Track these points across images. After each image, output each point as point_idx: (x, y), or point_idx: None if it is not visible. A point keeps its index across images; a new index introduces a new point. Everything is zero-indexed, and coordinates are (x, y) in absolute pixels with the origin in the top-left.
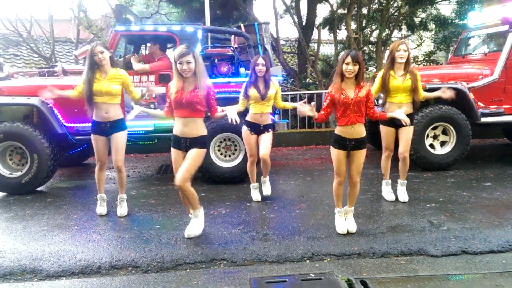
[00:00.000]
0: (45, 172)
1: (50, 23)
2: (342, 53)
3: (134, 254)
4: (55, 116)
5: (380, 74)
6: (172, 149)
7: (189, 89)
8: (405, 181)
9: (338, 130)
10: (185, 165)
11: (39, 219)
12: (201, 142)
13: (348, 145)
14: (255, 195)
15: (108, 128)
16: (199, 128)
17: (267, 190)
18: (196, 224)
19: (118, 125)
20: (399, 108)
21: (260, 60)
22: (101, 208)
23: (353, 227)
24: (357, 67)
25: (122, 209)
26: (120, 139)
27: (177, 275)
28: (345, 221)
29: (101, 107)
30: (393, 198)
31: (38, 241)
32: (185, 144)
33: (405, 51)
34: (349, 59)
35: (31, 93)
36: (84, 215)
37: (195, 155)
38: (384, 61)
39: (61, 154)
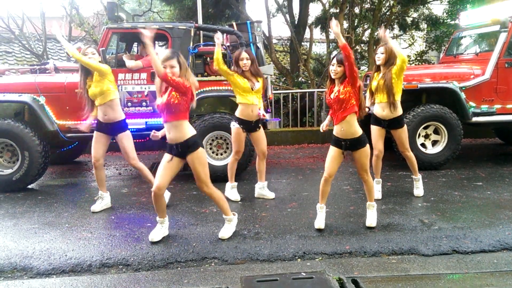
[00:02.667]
0: (36, 170)
1: (42, 20)
2: (334, 53)
3: (125, 252)
4: (46, 113)
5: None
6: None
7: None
8: (418, 176)
9: (334, 130)
10: (196, 172)
11: (30, 217)
12: (192, 145)
13: (343, 144)
14: (234, 195)
15: (108, 129)
16: (183, 132)
17: (269, 194)
18: (227, 228)
19: (117, 127)
20: (382, 110)
21: (244, 54)
22: (97, 206)
23: (372, 221)
24: (340, 68)
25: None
26: (123, 139)
27: (168, 273)
28: (369, 215)
29: (99, 109)
30: (379, 197)
31: (28, 239)
32: (177, 149)
33: (382, 53)
34: (334, 61)
35: (22, 90)
36: (75, 213)
37: (196, 160)
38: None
39: (52, 152)
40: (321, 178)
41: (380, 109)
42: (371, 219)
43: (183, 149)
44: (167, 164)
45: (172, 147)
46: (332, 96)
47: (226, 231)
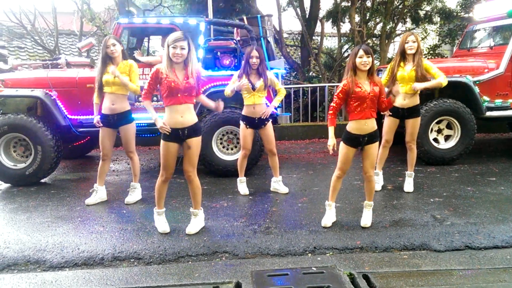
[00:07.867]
0: (49, 164)
1: (53, 16)
2: (345, 47)
3: (137, 246)
4: (58, 108)
5: (389, 66)
6: (166, 143)
7: (180, 76)
8: (413, 173)
9: (350, 128)
10: (189, 156)
11: (43, 211)
12: (198, 129)
13: (361, 141)
14: (243, 189)
15: (115, 121)
16: (194, 115)
17: (283, 189)
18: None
19: (125, 117)
20: (403, 99)
21: (254, 53)
22: (91, 199)
23: (368, 221)
24: (370, 59)
25: (131, 197)
26: (128, 131)
27: (179, 267)
28: (366, 214)
29: (108, 97)
30: (378, 188)
31: (41, 232)
32: (183, 134)
33: (413, 42)
34: (361, 53)
35: (35, 85)
36: (87, 207)
37: (196, 145)
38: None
39: (64, 146)
40: (332, 173)
41: (401, 99)
42: (367, 219)
43: (190, 133)
44: (175, 152)
45: (178, 131)
46: (369, 90)
47: (194, 226)
